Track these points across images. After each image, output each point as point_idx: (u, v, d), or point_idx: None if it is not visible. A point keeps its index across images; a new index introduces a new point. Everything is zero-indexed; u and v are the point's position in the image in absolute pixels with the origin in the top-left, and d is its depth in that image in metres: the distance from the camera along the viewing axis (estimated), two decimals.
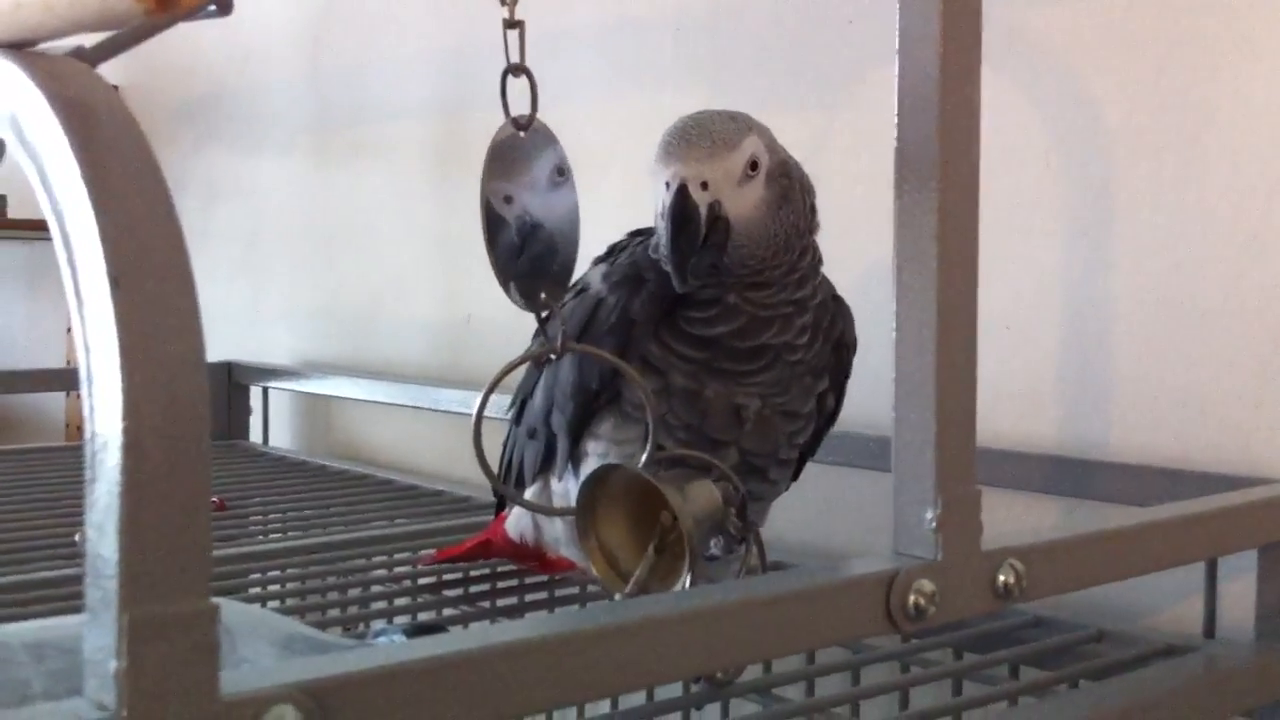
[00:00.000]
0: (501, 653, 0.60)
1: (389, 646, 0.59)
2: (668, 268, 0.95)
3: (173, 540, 0.50)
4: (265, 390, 2.41)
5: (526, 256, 0.90)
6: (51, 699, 0.64)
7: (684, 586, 0.89)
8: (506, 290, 0.91)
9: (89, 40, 0.65)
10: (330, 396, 2.30)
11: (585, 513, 0.94)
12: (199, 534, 0.51)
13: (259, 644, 0.73)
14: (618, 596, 0.93)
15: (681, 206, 0.93)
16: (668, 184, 0.94)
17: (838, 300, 1.05)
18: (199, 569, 0.51)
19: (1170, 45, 1.23)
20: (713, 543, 0.97)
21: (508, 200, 0.90)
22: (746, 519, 0.95)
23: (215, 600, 0.51)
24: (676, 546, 0.91)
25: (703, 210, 0.93)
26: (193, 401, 0.51)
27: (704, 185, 0.93)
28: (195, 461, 0.51)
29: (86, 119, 0.54)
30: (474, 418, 0.86)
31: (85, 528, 0.52)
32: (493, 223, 0.90)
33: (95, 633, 0.51)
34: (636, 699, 1.12)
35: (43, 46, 0.61)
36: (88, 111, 0.55)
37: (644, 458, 0.93)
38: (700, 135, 0.94)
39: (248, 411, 2.43)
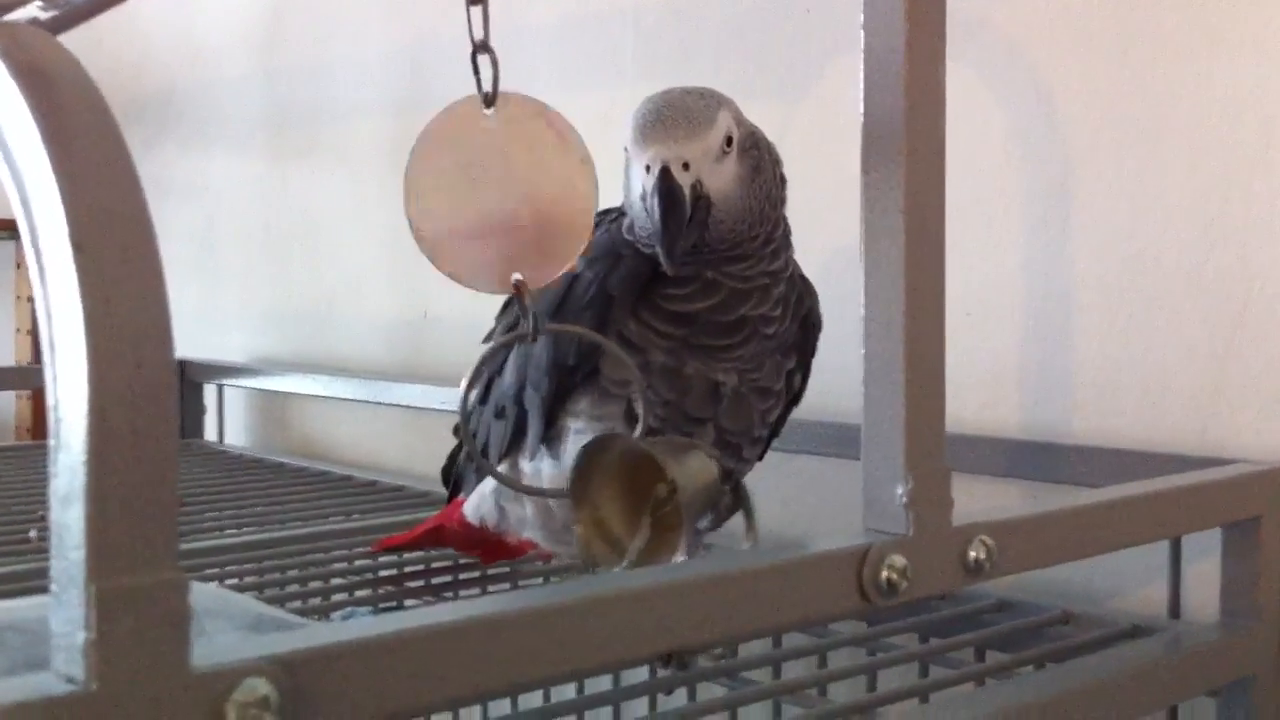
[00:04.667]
0: (473, 626, 0.59)
1: (361, 620, 0.58)
2: (654, 249, 0.94)
3: (140, 510, 0.49)
4: (220, 388, 2.38)
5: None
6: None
7: (678, 559, 0.88)
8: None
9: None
10: (286, 393, 2.28)
11: (579, 481, 0.93)
12: (166, 504, 0.50)
13: (226, 625, 0.72)
14: (602, 570, 0.92)
15: (668, 188, 0.93)
16: (648, 167, 0.94)
17: (804, 280, 1.06)
18: (167, 540, 0.50)
19: (1129, 37, 1.24)
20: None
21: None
22: (739, 492, 0.95)
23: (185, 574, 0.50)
24: (668, 520, 0.90)
25: (686, 190, 0.93)
26: (158, 368, 0.50)
27: (685, 166, 0.93)
28: (161, 430, 0.50)
29: (47, 84, 0.53)
30: (461, 396, 0.85)
31: (50, 499, 0.50)
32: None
33: (62, 606, 0.49)
34: (603, 684, 1.12)
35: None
36: (48, 76, 0.54)
37: (637, 433, 0.92)
38: (677, 115, 0.94)
39: (202, 410, 2.40)
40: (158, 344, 0.50)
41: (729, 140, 0.95)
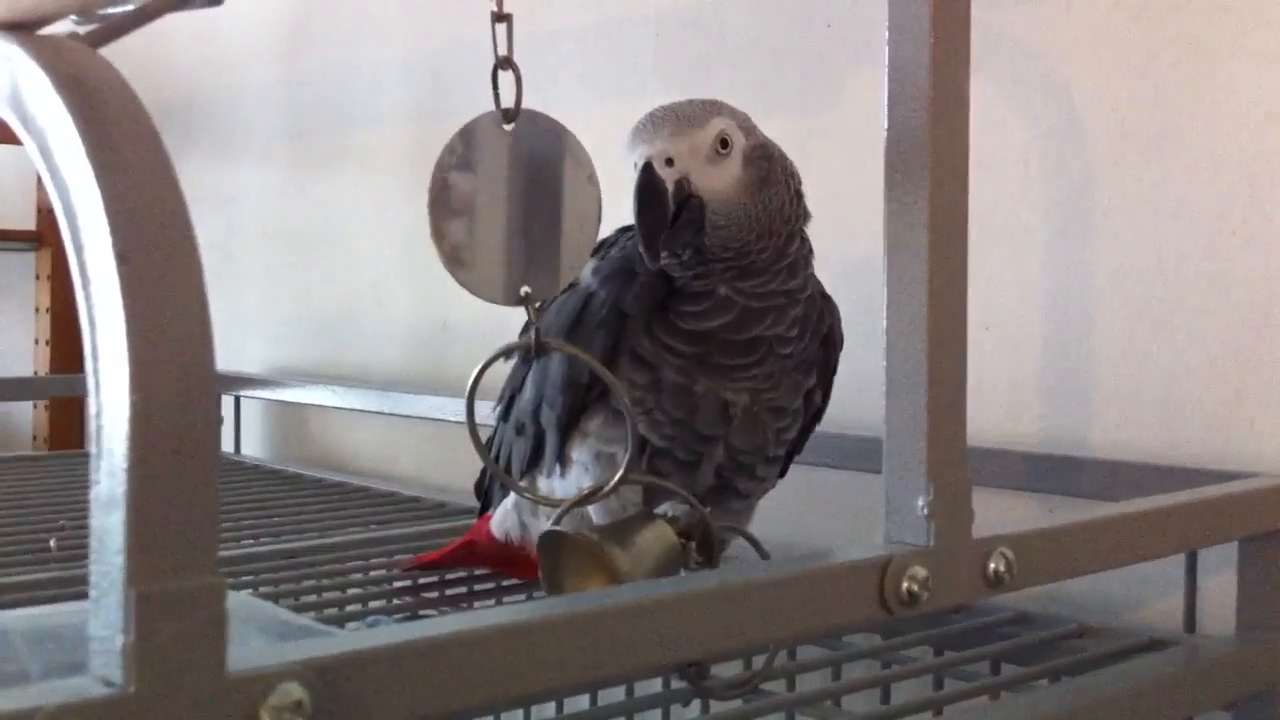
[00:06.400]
0: (505, 632, 0.60)
1: (394, 627, 0.59)
2: (641, 249, 0.95)
3: (181, 516, 0.50)
4: (237, 399, 2.39)
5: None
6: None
7: None
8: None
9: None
10: (304, 405, 2.28)
11: (549, 567, 0.91)
12: (207, 509, 0.51)
13: (253, 631, 0.72)
14: None
15: (645, 181, 0.94)
16: (635, 165, 0.95)
17: (825, 298, 1.06)
18: (207, 545, 0.51)
19: (1151, 46, 1.25)
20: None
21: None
22: (712, 546, 0.92)
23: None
24: None
25: (669, 186, 0.94)
26: (200, 376, 0.51)
27: (669, 162, 0.94)
28: (202, 436, 0.51)
29: (89, 96, 0.54)
30: (466, 402, 0.85)
31: (91, 505, 0.51)
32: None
33: (101, 610, 0.50)
34: (616, 694, 1.12)
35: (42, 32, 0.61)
36: (90, 89, 0.55)
37: (620, 472, 0.90)
38: (666, 116, 0.96)
39: (219, 421, 2.41)
40: (200, 352, 0.51)
41: (724, 142, 0.96)
